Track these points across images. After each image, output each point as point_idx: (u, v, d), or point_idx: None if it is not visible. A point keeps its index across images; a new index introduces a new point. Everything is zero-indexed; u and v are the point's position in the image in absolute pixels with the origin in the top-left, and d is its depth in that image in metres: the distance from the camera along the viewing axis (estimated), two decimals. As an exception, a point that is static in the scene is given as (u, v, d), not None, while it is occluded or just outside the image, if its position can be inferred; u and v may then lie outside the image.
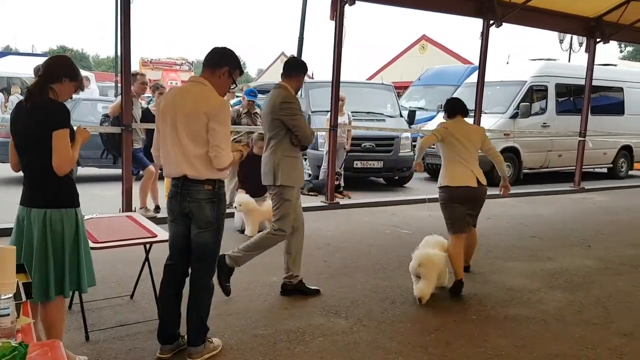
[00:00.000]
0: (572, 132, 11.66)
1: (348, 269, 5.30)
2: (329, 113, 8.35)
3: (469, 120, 5.32)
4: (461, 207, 4.87)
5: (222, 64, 3.26)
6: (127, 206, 6.67)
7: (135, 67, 40.19)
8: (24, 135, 2.95)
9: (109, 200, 7.46)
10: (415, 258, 4.53)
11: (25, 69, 13.89)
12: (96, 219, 4.04)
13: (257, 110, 7.95)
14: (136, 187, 6.94)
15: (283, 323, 3.95)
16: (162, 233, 3.78)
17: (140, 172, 6.92)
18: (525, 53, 39.78)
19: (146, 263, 4.01)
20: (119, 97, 6.70)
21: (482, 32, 9.73)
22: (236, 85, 3.48)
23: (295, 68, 4.47)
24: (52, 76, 2.98)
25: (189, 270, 3.45)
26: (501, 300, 4.63)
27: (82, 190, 8.90)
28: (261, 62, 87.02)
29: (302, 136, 4.35)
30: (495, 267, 5.60)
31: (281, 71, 4.50)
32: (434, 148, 5.44)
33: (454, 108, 5.11)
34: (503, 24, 9.53)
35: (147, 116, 6.95)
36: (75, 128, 3.12)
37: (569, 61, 21.08)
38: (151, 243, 3.73)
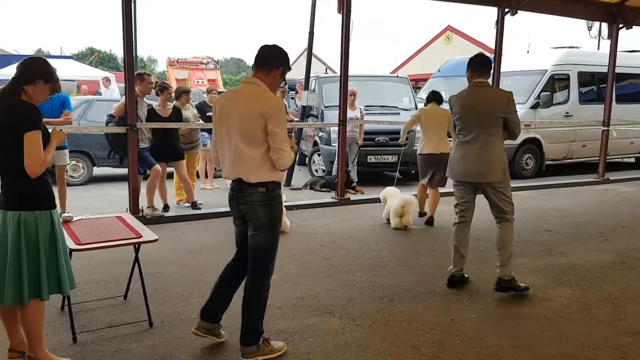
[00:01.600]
0: (595, 122, 11.28)
1: (349, 266, 5.20)
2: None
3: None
4: (429, 168, 7.13)
5: (278, 64, 3.25)
6: (134, 206, 6.69)
7: (162, 67, 40.50)
8: None
9: (120, 199, 7.52)
10: (400, 201, 6.76)
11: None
12: (85, 220, 4.03)
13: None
14: (144, 187, 6.97)
15: (274, 323, 3.88)
16: (149, 234, 3.75)
17: (147, 172, 6.93)
18: (552, 41, 38.75)
19: (136, 264, 3.96)
20: (123, 97, 6.71)
21: (497, 21, 9.47)
22: (286, 83, 3.41)
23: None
24: (25, 78, 2.98)
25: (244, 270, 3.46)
26: (505, 298, 4.46)
27: (96, 189, 9.09)
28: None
29: (517, 132, 4.61)
30: (503, 263, 5.41)
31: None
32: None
33: (429, 98, 7.36)
34: (518, 11, 9.25)
35: (153, 116, 6.96)
36: (50, 130, 3.10)
37: (598, 49, 20.42)
38: (134, 244, 3.68)
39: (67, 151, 6.78)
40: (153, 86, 7.06)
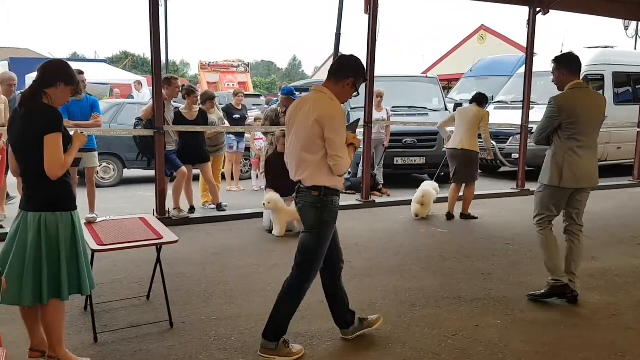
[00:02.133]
0: (630, 124, 10.94)
1: (372, 269, 5.15)
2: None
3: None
4: (452, 163, 7.48)
5: (348, 75, 3.31)
6: (161, 207, 6.77)
7: (194, 70, 41.00)
8: (18, 140, 2.99)
9: (148, 201, 7.60)
10: (420, 190, 7.42)
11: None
12: (108, 221, 4.08)
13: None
14: (171, 189, 7.05)
15: (293, 326, 3.82)
16: (169, 235, 3.77)
17: (174, 174, 7.00)
18: (586, 41, 37.84)
19: (158, 264, 3.99)
20: (151, 101, 6.80)
21: (529, 20, 9.28)
22: (358, 94, 3.46)
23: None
24: (46, 81, 3.01)
25: (336, 270, 3.61)
26: (532, 304, 4.35)
27: (127, 191, 9.25)
28: (316, 60, 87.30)
29: None
30: (532, 268, 5.28)
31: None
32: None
33: (473, 97, 7.69)
34: (550, 11, 9.05)
35: (179, 118, 7.03)
36: (72, 133, 3.15)
37: (635, 49, 19.85)
38: (155, 245, 3.70)
39: (96, 153, 6.89)
40: (180, 90, 7.14)
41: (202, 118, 7.25)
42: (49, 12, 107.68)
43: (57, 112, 2.98)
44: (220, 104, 9.12)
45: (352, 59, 3.40)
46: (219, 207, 7.42)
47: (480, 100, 7.51)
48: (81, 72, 6.53)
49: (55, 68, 3.09)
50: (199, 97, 7.57)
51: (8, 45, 36.02)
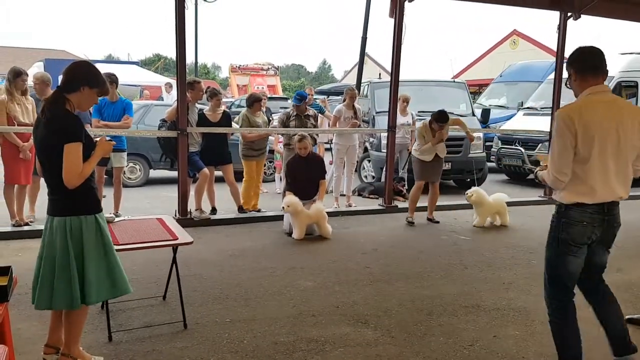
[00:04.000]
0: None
1: (390, 276, 5.08)
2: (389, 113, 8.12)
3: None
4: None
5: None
6: (183, 208, 6.83)
7: (225, 73, 41.21)
8: (41, 147, 3.00)
9: (171, 202, 7.67)
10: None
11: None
12: (126, 221, 4.13)
13: (311, 112, 7.88)
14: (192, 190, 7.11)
15: (307, 331, 3.83)
16: (185, 236, 3.78)
17: (197, 175, 7.05)
18: (621, 47, 36.88)
19: (173, 265, 4.01)
20: (175, 103, 6.87)
21: (559, 26, 9.09)
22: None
23: None
24: (69, 87, 2.99)
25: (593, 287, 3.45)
26: (553, 316, 4.22)
27: (152, 191, 9.36)
28: (346, 64, 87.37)
29: None
30: (555, 278, 5.14)
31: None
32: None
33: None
34: (582, 16, 8.84)
35: (203, 120, 7.08)
36: (98, 139, 3.15)
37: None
38: (171, 246, 3.72)
39: (125, 154, 7.01)
40: (204, 92, 7.19)
41: (226, 120, 7.28)
42: (86, 15, 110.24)
43: (78, 120, 2.96)
44: (242, 107, 9.12)
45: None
46: (241, 209, 7.43)
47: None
48: (113, 76, 6.61)
49: (78, 71, 3.04)
50: (221, 99, 7.57)
51: (44, 47, 37.02)
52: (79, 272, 2.98)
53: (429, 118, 7.33)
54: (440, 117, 7.15)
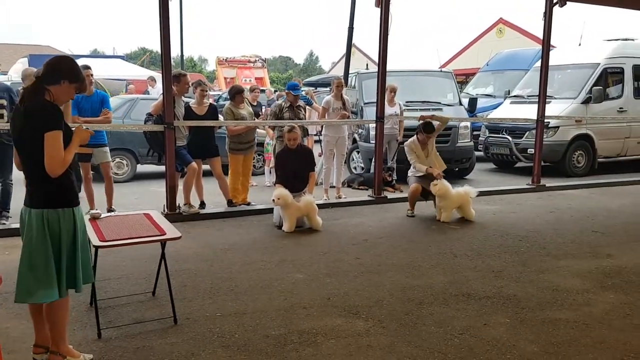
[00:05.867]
0: (651, 117, 10.72)
1: (380, 266, 5.08)
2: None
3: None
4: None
5: None
6: (171, 202, 6.78)
7: (212, 66, 41.00)
8: (20, 137, 2.97)
9: (160, 196, 7.61)
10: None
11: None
12: (112, 217, 4.08)
13: (301, 103, 7.84)
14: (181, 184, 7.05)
15: (298, 323, 3.82)
16: (173, 231, 3.75)
17: (185, 169, 7.00)
18: (606, 33, 37.06)
19: (162, 261, 3.98)
20: (161, 96, 6.79)
21: (545, 13, 9.11)
22: None
23: None
24: (50, 78, 2.98)
25: None
26: (543, 302, 4.25)
27: (139, 187, 9.29)
28: (333, 55, 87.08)
29: None
30: (545, 265, 5.18)
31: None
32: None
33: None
34: (567, 3, 8.86)
35: (189, 113, 7.02)
36: (74, 128, 3.13)
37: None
38: (157, 241, 3.69)
39: (107, 148, 6.91)
40: (190, 86, 7.12)
41: (212, 113, 7.23)
42: (70, 9, 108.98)
43: (58, 109, 2.96)
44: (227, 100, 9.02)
45: None
46: (230, 202, 7.38)
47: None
48: (87, 67, 6.56)
49: (59, 65, 3.04)
50: (207, 90, 7.49)
51: (29, 42, 36.55)
52: (56, 265, 2.96)
53: (413, 136, 7.49)
54: (426, 127, 7.26)
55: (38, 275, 2.94)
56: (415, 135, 7.49)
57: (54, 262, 2.96)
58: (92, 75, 6.62)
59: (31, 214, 2.98)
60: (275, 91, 17.86)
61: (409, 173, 7.50)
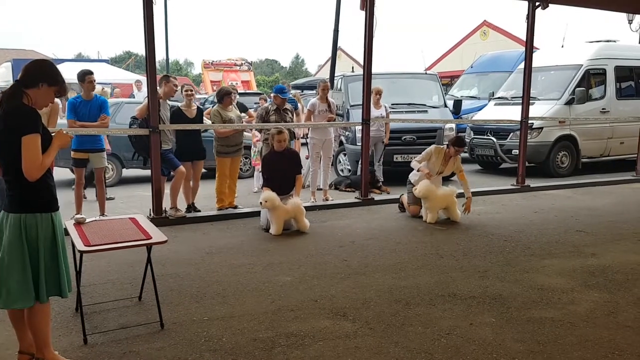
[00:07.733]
0: (634, 118, 10.89)
1: (367, 268, 5.10)
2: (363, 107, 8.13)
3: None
4: None
5: None
6: (157, 207, 6.74)
7: (198, 69, 40.83)
8: None
9: (146, 201, 7.57)
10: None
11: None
12: (97, 221, 4.05)
13: (288, 106, 7.83)
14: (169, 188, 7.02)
15: (286, 326, 3.82)
16: (159, 235, 3.73)
17: (172, 173, 6.97)
18: (588, 35, 37.52)
19: (148, 265, 3.95)
20: (146, 99, 6.76)
21: (528, 15, 9.21)
22: None
23: None
24: (28, 81, 2.96)
25: None
26: (528, 302, 4.29)
27: (125, 191, 9.22)
28: (319, 58, 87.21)
29: None
30: (529, 265, 5.23)
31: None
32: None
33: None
34: (550, 5, 8.96)
35: (179, 116, 6.98)
36: (54, 133, 3.10)
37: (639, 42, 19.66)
38: (143, 245, 3.67)
39: (104, 154, 6.87)
40: (177, 88, 7.09)
41: (200, 116, 7.20)
42: (54, 13, 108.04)
43: (36, 112, 2.92)
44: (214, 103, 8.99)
45: None
46: (190, 208, 7.28)
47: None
48: (90, 73, 6.57)
49: (38, 68, 3.02)
50: (194, 94, 7.45)
51: (13, 47, 36.14)
52: (33, 271, 2.93)
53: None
54: (457, 142, 7.21)
55: (12, 282, 2.91)
56: (446, 145, 7.46)
57: (30, 267, 2.93)
58: (94, 80, 6.62)
59: (9, 219, 2.95)
60: (260, 94, 17.84)
61: (410, 177, 7.44)
